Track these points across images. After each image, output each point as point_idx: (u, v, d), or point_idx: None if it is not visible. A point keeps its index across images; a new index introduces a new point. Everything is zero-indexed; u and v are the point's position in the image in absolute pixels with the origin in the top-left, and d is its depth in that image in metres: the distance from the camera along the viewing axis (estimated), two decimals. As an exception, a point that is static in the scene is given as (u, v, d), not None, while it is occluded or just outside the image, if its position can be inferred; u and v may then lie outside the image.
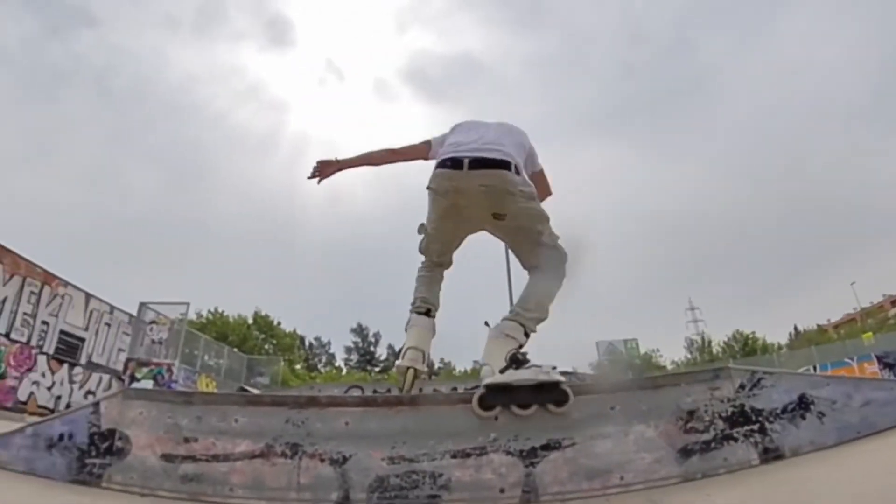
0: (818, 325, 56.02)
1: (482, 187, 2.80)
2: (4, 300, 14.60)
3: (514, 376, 2.54)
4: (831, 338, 46.78)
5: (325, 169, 3.50)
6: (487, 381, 2.57)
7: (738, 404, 2.38)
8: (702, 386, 2.46)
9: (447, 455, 2.42)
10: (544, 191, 3.41)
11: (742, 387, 2.43)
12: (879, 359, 21.55)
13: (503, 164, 2.80)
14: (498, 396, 2.55)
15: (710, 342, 52.49)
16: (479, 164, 2.79)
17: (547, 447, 2.37)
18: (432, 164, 3.10)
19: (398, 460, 2.44)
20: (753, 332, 50.32)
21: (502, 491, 2.32)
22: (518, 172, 2.90)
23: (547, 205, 3.17)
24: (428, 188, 2.98)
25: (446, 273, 3.42)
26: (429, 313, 3.21)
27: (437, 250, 3.26)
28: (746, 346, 48.28)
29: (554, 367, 2.62)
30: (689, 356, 52.05)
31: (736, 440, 2.31)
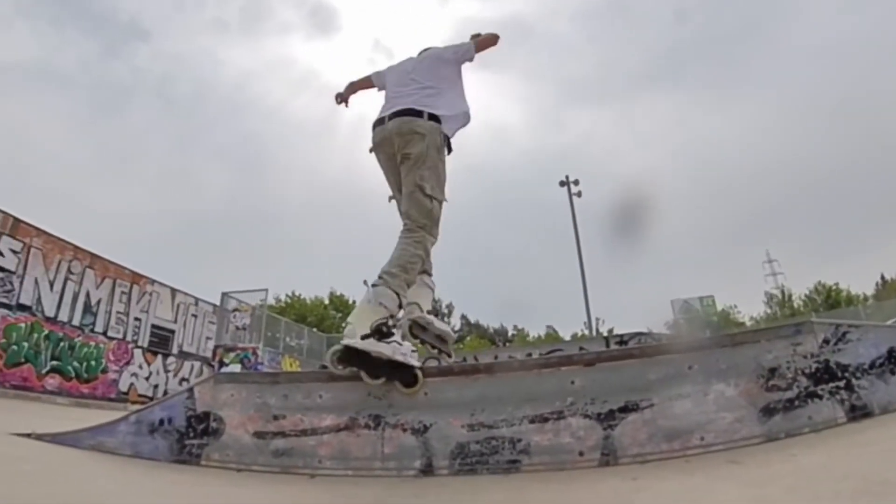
0: None
1: (395, 134, 3.27)
2: (99, 301, 15.72)
3: (372, 346, 2.57)
4: None
5: (343, 96, 4.06)
6: (347, 341, 2.61)
7: (822, 360, 2.27)
8: (783, 342, 2.35)
9: (525, 420, 2.43)
10: (491, 42, 3.72)
11: (826, 341, 2.30)
12: None
13: (412, 113, 3.26)
14: (353, 359, 2.61)
15: (790, 295, 49.96)
16: (396, 115, 3.29)
17: (625, 409, 2.34)
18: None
19: (477, 427, 2.48)
20: (837, 284, 47.37)
21: (581, 454, 2.32)
22: (433, 117, 3.27)
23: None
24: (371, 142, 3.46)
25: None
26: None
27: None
28: (829, 299, 45.75)
29: (414, 350, 2.78)
30: (768, 311, 49.75)
31: (821, 398, 2.21)
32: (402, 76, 3.60)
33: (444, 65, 3.57)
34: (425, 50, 3.83)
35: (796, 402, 2.23)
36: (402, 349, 2.65)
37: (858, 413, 2.15)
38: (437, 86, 3.43)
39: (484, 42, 3.64)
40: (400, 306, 2.92)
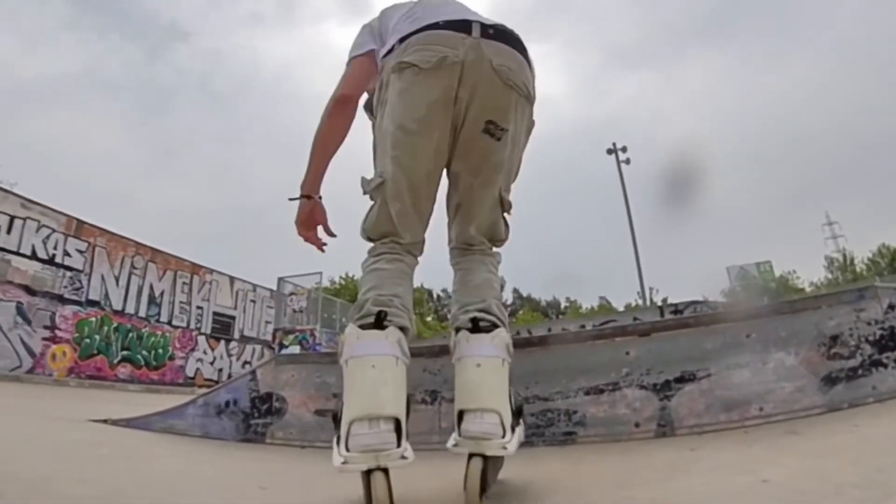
0: None
1: (501, 68, 1.77)
2: (162, 293, 16.51)
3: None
4: None
5: None
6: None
7: (887, 326, 2.19)
8: (845, 308, 2.28)
9: (580, 392, 2.44)
10: None
11: (892, 307, 2.23)
12: None
13: (524, 50, 1.90)
14: None
15: (852, 259, 48.13)
16: (498, 35, 1.81)
17: (681, 380, 2.33)
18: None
19: (532, 400, 2.49)
20: None
21: (637, 425, 2.32)
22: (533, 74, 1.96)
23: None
24: (401, 65, 1.81)
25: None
26: (391, 326, 1.59)
27: (399, 216, 1.86)
28: (895, 262, 44.21)
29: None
30: (829, 276, 48.00)
31: (886, 366, 2.14)
32: (450, 4, 2.03)
33: None
34: None
35: (860, 371, 2.17)
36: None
37: None
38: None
39: None
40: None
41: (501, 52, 1.79)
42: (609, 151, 29.65)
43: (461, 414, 1.59)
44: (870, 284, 2.42)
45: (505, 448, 1.50)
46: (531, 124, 2.07)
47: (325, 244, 2.37)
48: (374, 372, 1.49)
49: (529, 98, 1.91)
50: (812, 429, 1.90)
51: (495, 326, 1.79)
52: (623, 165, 29.01)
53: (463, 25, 1.79)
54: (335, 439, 1.46)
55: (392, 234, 1.88)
